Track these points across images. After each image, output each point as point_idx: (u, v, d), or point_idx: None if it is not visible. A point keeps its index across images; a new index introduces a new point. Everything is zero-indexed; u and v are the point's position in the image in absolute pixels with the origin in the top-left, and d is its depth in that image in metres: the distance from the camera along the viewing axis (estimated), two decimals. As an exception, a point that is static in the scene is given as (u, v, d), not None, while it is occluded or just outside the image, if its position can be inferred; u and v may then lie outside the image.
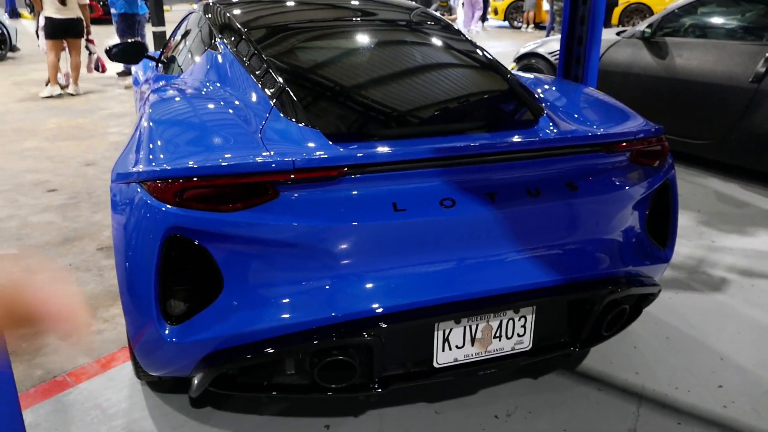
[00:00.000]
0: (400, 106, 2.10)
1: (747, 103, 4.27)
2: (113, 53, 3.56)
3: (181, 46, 3.49)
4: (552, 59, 5.77)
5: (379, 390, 1.83)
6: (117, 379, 2.34)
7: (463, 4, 15.25)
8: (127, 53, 3.57)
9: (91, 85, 8.72)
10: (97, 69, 8.45)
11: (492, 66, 2.50)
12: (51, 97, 7.77)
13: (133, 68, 4.59)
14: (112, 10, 9.01)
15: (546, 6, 14.30)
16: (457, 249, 1.80)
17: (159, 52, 4.02)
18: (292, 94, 2.06)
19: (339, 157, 1.71)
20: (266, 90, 2.14)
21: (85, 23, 8.07)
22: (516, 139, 1.89)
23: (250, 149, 1.76)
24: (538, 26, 16.41)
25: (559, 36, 6.09)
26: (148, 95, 2.50)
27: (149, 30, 9.49)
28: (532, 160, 1.88)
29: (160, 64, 3.76)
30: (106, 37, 13.00)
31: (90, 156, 5.29)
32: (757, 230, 3.74)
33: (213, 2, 3.17)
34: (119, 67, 9.56)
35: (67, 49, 7.96)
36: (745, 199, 4.28)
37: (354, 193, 1.71)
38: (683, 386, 2.32)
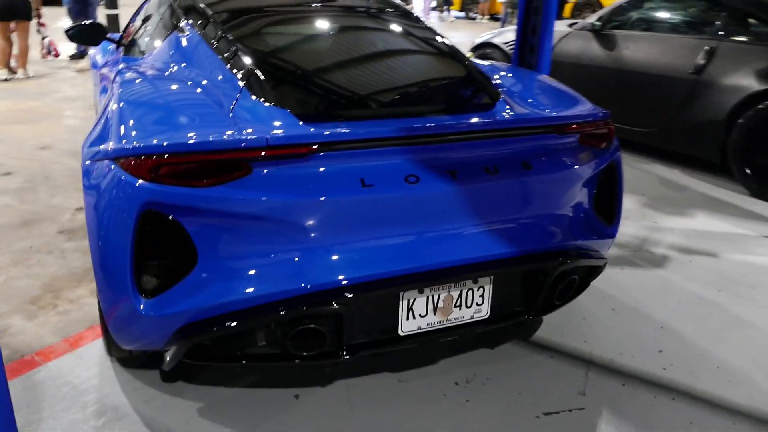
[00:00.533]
0: (365, 88, 2.20)
1: (687, 94, 4.52)
2: (72, 34, 3.53)
3: (143, 28, 3.49)
4: (506, 49, 5.94)
5: (348, 357, 1.93)
6: (86, 357, 2.38)
7: None
8: (87, 34, 3.53)
9: (43, 68, 8.51)
10: (50, 53, 8.23)
11: (452, 53, 2.62)
12: (8, 79, 7.53)
13: (91, 51, 4.53)
14: (64, -8, 8.81)
15: (500, -3, 14.55)
16: (421, 223, 1.92)
17: (119, 35, 4.00)
18: (261, 75, 2.13)
19: (310, 135, 1.80)
20: (235, 71, 2.20)
21: (35, 6, 7.84)
22: (475, 120, 2.01)
23: (223, 127, 1.83)
24: (493, 17, 16.67)
25: (513, 27, 6.27)
26: (116, 76, 2.52)
27: (102, 13, 9.29)
28: (490, 140, 2.01)
29: (120, 47, 3.74)
30: (56, 19, 12.67)
31: (45, 140, 5.21)
32: (696, 212, 3.99)
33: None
34: (71, 50, 9.35)
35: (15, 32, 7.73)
36: (685, 183, 4.54)
37: (324, 169, 1.80)
38: (627, 352, 2.51)
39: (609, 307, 2.83)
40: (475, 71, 2.45)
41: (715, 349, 2.54)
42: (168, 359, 1.97)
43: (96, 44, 3.68)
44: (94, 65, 4.34)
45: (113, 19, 10.04)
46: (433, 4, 19.08)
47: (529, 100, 2.31)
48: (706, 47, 4.46)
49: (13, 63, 7.84)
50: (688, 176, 4.68)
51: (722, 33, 4.45)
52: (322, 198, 1.78)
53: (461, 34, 13.86)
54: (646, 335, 2.63)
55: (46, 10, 8.45)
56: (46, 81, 7.77)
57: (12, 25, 7.61)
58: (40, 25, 8.06)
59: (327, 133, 1.81)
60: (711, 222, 3.83)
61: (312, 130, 1.82)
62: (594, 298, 2.89)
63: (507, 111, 2.15)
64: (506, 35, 6.11)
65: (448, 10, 16.24)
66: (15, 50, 7.82)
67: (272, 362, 1.96)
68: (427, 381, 2.30)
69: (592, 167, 2.21)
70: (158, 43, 2.89)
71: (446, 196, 1.90)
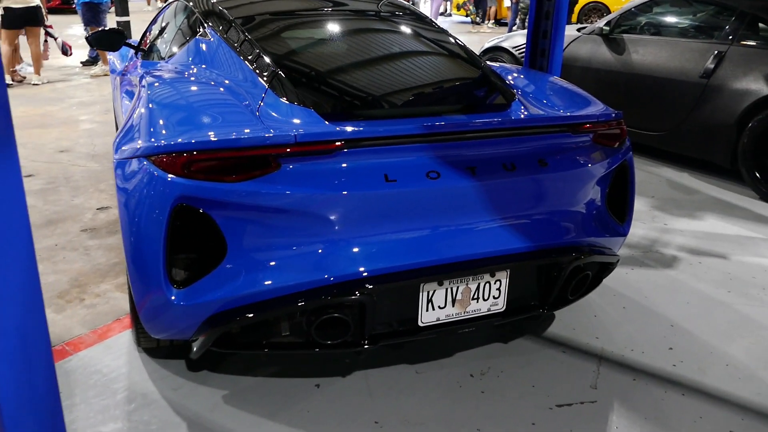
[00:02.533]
0: (385, 88, 2.28)
1: (697, 97, 4.58)
2: (93, 39, 3.63)
3: (163, 34, 3.60)
4: (516, 53, 6.02)
5: (369, 346, 2.01)
6: (114, 348, 2.47)
7: None
8: (107, 40, 3.64)
9: (57, 75, 8.65)
10: (65, 53, 8.33)
11: (466, 54, 2.70)
12: (11, 85, 7.64)
13: (109, 56, 4.64)
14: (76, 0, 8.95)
15: (507, 2, 14.63)
16: (441, 217, 2.00)
17: (137, 41, 4.10)
18: (284, 76, 2.22)
19: (335, 132, 1.88)
20: (259, 72, 2.29)
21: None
22: (492, 119, 2.09)
23: (251, 125, 1.91)
24: (499, 23, 16.76)
25: (522, 31, 6.36)
26: (142, 78, 2.62)
27: (112, 20, 9.43)
28: (507, 138, 2.09)
29: (139, 52, 3.85)
30: (66, 26, 12.85)
31: (64, 143, 5.32)
32: (705, 214, 4.05)
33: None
34: (84, 55, 9.49)
35: (26, 38, 7.81)
36: (695, 186, 4.60)
37: (349, 165, 1.89)
38: (638, 348, 2.57)
39: (620, 305, 2.90)
40: (490, 72, 2.54)
41: (724, 347, 2.60)
42: (196, 347, 2.05)
43: (116, 50, 3.79)
44: (113, 70, 4.45)
45: (125, 26, 10.19)
46: (442, 9, 19.21)
47: (543, 101, 2.39)
48: (715, 51, 4.52)
49: (23, 70, 7.92)
50: (697, 179, 4.74)
51: (731, 37, 4.52)
52: (347, 192, 1.86)
53: (467, 39, 13.97)
54: (656, 333, 2.69)
55: (54, 18, 8.54)
56: (61, 87, 7.91)
57: (21, 31, 7.69)
58: (48, 27, 8.14)
59: (352, 130, 1.89)
60: (720, 224, 3.89)
61: (338, 128, 1.90)
62: (605, 296, 2.95)
63: (522, 110, 2.23)
64: (515, 39, 6.19)
65: (482, 19, 16.28)
66: (25, 58, 7.89)
67: (296, 350, 2.04)
68: (443, 372, 2.37)
69: (605, 166, 2.28)
70: (180, 48, 2.98)
71: (466, 191, 1.98)
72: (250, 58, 2.41)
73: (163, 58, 3.22)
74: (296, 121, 1.99)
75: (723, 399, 2.29)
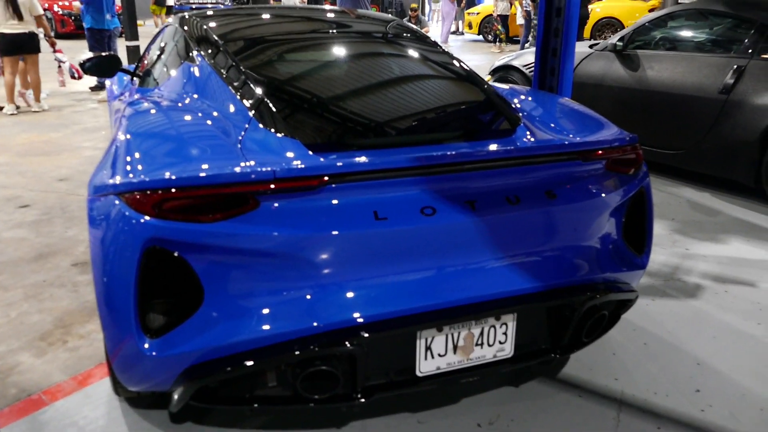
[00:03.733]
0: (378, 116, 2.11)
1: (717, 114, 4.37)
2: (87, 67, 3.54)
3: (156, 59, 3.48)
4: (527, 71, 5.86)
5: (363, 400, 1.82)
6: (94, 396, 2.30)
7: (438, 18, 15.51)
8: (102, 66, 3.56)
9: (63, 100, 8.61)
10: (73, 77, 8.30)
11: (469, 77, 2.53)
12: (15, 114, 7.58)
13: (107, 82, 4.55)
14: (84, 25, 8.95)
15: (519, 20, 14.51)
16: (438, 257, 1.81)
17: (134, 66, 4.00)
18: (270, 105, 2.06)
19: (319, 166, 1.71)
20: (245, 101, 2.14)
21: (46, 34, 7.89)
22: (494, 147, 1.91)
23: (230, 159, 1.75)
24: (512, 40, 16.63)
25: (532, 49, 6.20)
26: (124, 108, 2.48)
27: (122, 44, 9.42)
28: (511, 168, 1.90)
29: (135, 78, 3.74)
30: (78, 51, 12.92)
31: (63, 171, 5.22)
32: (729, 238, 3.82)
33: (189, 15, 3.16)
34: (92, 81, 9.48)
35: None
36: (717, 207, 4.37)
37: (335, 202, 1.71)
38: (662, 391, 2.35)
39: (641, 341, 2.68)
40: (494, 95, 2.36)
41: (756, 388, 2.37)
42: (174, 401, 1.88)
43: (111, 76, 3.69)
44: (111, 96, 4.35)
45: (134, 50, 10.19)
46: (453, 28, 19.14)
47: (551, 125, 2.20)
48: (734, 66, 4.32)
49: (20, 101, 7.85)
50: (719, 199, 4.51)
51: (751, 51, 4.31)
52: (333, 232, 1.68)
53: (478, 57, 13.83)
54: (681, 372, 2.47)
55: (66, 44, 8.51)
56: (67, 112, 7.85)
57: (20, 60, 7.62)
58: (57, 51, 8.10)
59: (338, 163, 1.72)
60: (746, 248, 3.65)
61: (322, 160, 1.74)
62: (624, 331, 2.74)
63: (528, 137, 2.04)
64: (526, 57, 6.03)
65: (500, 39, 16.15)
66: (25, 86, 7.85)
67: (283, 405, 1.86)
68: (448, 422, 2.17)
69: (620, 195, 2.09)
70: (169, 74, 2.85)
71: (465, 228, 1.79)
72: (236, 85, 2.26)
73: (156, 84, 3.10)
74: (279, 153, 1.82)
75: (759, 451, 2.07)
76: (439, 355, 1.86)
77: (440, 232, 1.77)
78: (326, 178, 1.69)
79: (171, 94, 2.57)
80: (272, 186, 1.66)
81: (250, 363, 1.72)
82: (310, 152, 1.81)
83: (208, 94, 2.35)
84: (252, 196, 1.67)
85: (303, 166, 1.69)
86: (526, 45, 13.62)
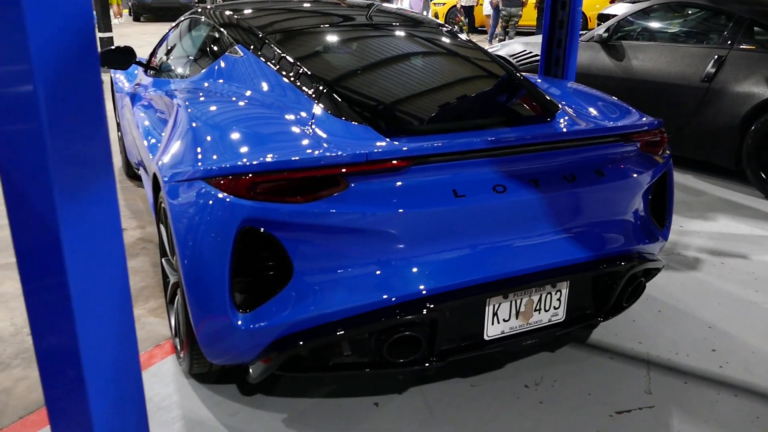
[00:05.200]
0: (435, 103, 2.28)
1: (699, 101, 4.67)
2: (102, 58, 3.56)
3: (179, 51, 3.55)
4: (514, 61, 6.07)
5: (438, 363, 2.00)
6: (160, 375, 2.41)
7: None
8: (116, 58, 3.57)
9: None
10: None
11: (506, 68, 2.71)
12: None
13: (114, 75, 4.56)
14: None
15: (486, 10, 14.74)
16: (506, 230, 2.00)
17: (146, 59, 4.04)
18: (334, 93, 2.20)
19: (406, 149, 1.87)
20: (305, 91, 2.27)
21: None
22: (552, 130, 2.10)
23: (315, 144, 1.89)
24: (477, 31, 16.91)
25: (520, 39, 6.42)
26: (174, 97, 2.58)
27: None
28: (566, 149, 2.10)
29: (150, 70, 3.79)
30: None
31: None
32: (716, 215, 4.12)
33: (215, 8, 3.25)
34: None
35: None
36: (701, 188, 4.68)
37: (419, 182, 1.88)
38: (682, 352, 2.60)
39: (656, 309, 2.92)
40: (531, 84, 2.55)
41: (764, 346, 2.64)
42: (257, 372, 2.01)
43: (126, 68, 3.72)
44: (119, 89, 4.37)
45: (108, 41, 10.08)
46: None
47: (589, 110, 2.41)
48: (715, 56, 4.62)
49: None
50: (702, 181, 4.82)
51: (730, 42, 4.62)
52: (417, 209, 1.85)
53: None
54: (696, 335, 2.72)
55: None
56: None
57: None
58: None
59: (419, 146, 1.88)
60: (733, 224, 3.96)
61: (405, 145, 1.89)
62: (639, 300, 2.97)
63: (576, 121, 2.24)
64: (513, 47, 6.25)
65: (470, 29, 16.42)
66: None
67: (362, 369, 2.02)
68: (498, 384, 2.36)
69: (651, 174, 2.31)
70: (204, 66, 2.93)
71: (530, 204, 1.98)
72: (291, 74, 2.38)
73: (182, 77, 3.17)
74: (355, 138, 1.97)
75: (775, 399, 2.32)
76: (504, 320, 2.05)
77: (510, 208, 1.96)
78: (411, 159, 1.85)
79: (217, 86, 2.67)
80: (363, 168, 1.81)
81: (339, 332, 1.88)
82: (386, 137, 1.97)
83: (258, 84, 2.46)
84: (342, 178, 1.82)
85: (390, 149, 1.85)
86: (495, 37, 13.88)
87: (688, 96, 4.73)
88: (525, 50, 6.04)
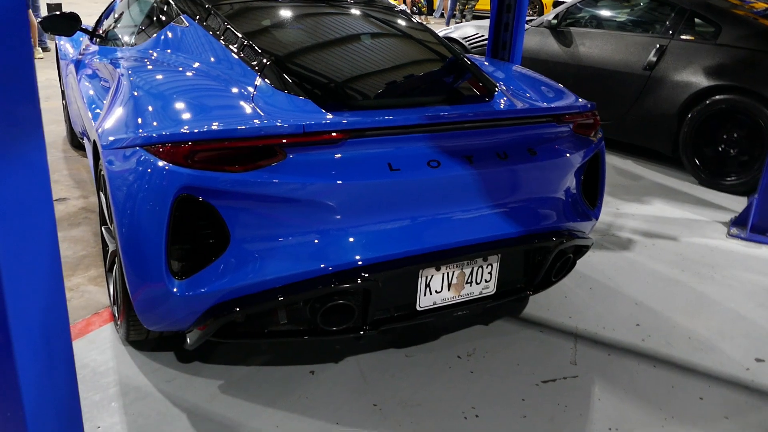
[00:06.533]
0: (376, 79, 2.32)
1: (641, 89, 4.83)
2: (46, 23, 3.48)
3: (126, 20, 3.49)
4: (466, 44, 6.15)
5: (371, 331, 2.06)
6: (98, 342, 2.41)
7: None
8: (60, 24, 3.49)
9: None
10: None
11: (449, 48, 2.77)
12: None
13: (59, 42, 4.44)
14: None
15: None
16: (440, 204, 2.06)
17: (92, 26, 3.95)
18: (278, 67, 2.22)
19: (344, 122, 1.91)
20: (248, 63, 2.28)
21: None
22: (487, 109, 2.17)
23: (256, 115, 1.91)
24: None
25: (474, 22, 6.49)
26: (118, 65, 2.55)
27: (44, 2, 9.00)
28: (501, 128, 2.17)
29: (95, 38, 3.72)
30: None
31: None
32: (652, 199, 4.30)
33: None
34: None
35: None
36: (639, 173, 4.86)
37: (355, 155, 1.92)
38: (608, 326, 2.73)
39: (587, 286, 3.06)
40: (471, 64, 2.61)
41: (685, 321, 2.79)
42: (193, 339, 2.04)
43: (70, 35, 3.63)
44: (64, 56, 4.27)
45: (56, 7, 9.75)
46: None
47: (524, 91, 2.49)
48: (657, 45, 4.78)
49: None
50: (641, 166, 5.01)
51: (672, 32, 4.78)
52: (353, 181, 1.90)
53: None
54: (623, 311, 2.86)
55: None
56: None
57: None
58: None
59: (357, 120, 1.93)
60: (667, 208, 4.14)
61: (343, 118, 1.93)
62: (572, 277, 3.11)
63: (511, 100, 2.32)
64: (465, 30, 6.32)
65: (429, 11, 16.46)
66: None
67: (296, 337, 2.07)
68: (432, 355, 2.45)
69: (582, 155, 2.41)
70: (150, 35, 2.90)
71: (464, 179, 2.05)
72: (235, 46, 2.39)
73: (127, 45, 3.13)
74: (297, 111, 2.00)
75: (690, 369, 2.47)
76: (436, 292, 2.13)
77: (443, 183, 2.02)
78: (349, 132, 1.89)
79: (162, 55, 2.65)
80: (299, 140, 1.85)
81: (274, 299, 1.92)
82: (324, 111, 2.00)
83: (203, 54, 2.46)
84: (280, 149, 1.85)
85: (329, 121, 1.89)
86: (452, 19, 13.95)
87: (631, 83, 4.89)
88: (477, 33, 6.12)
